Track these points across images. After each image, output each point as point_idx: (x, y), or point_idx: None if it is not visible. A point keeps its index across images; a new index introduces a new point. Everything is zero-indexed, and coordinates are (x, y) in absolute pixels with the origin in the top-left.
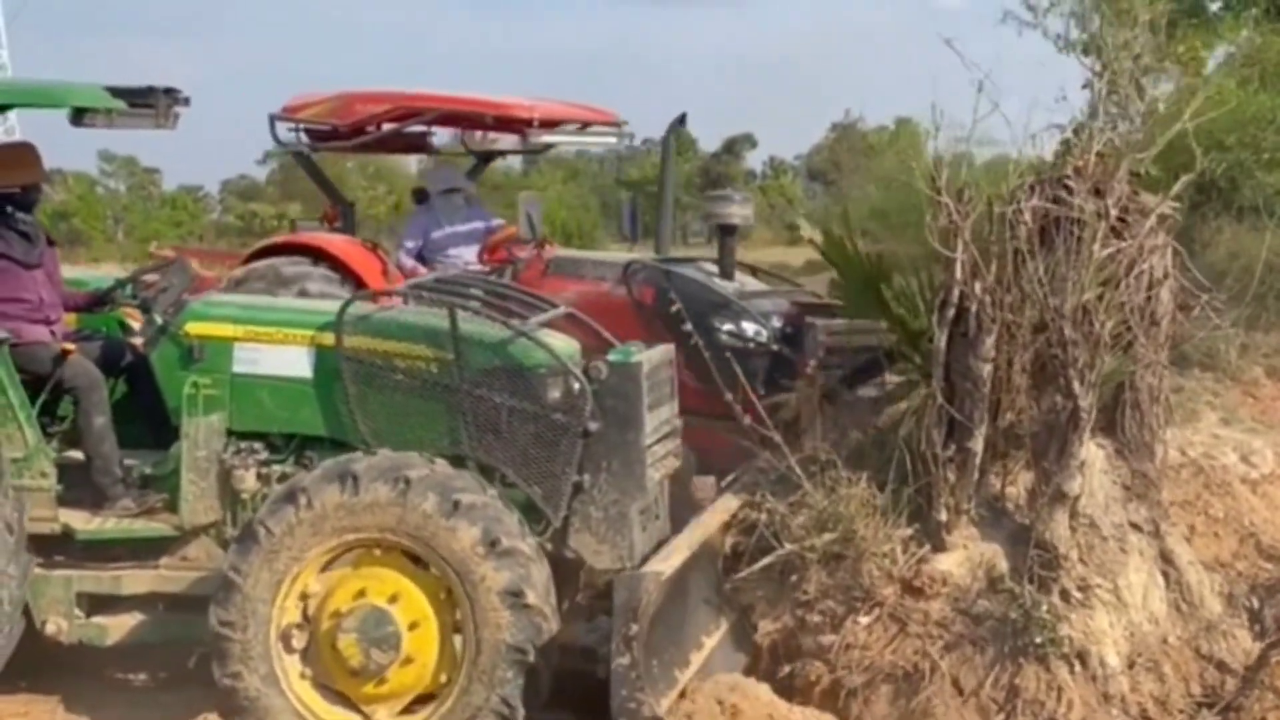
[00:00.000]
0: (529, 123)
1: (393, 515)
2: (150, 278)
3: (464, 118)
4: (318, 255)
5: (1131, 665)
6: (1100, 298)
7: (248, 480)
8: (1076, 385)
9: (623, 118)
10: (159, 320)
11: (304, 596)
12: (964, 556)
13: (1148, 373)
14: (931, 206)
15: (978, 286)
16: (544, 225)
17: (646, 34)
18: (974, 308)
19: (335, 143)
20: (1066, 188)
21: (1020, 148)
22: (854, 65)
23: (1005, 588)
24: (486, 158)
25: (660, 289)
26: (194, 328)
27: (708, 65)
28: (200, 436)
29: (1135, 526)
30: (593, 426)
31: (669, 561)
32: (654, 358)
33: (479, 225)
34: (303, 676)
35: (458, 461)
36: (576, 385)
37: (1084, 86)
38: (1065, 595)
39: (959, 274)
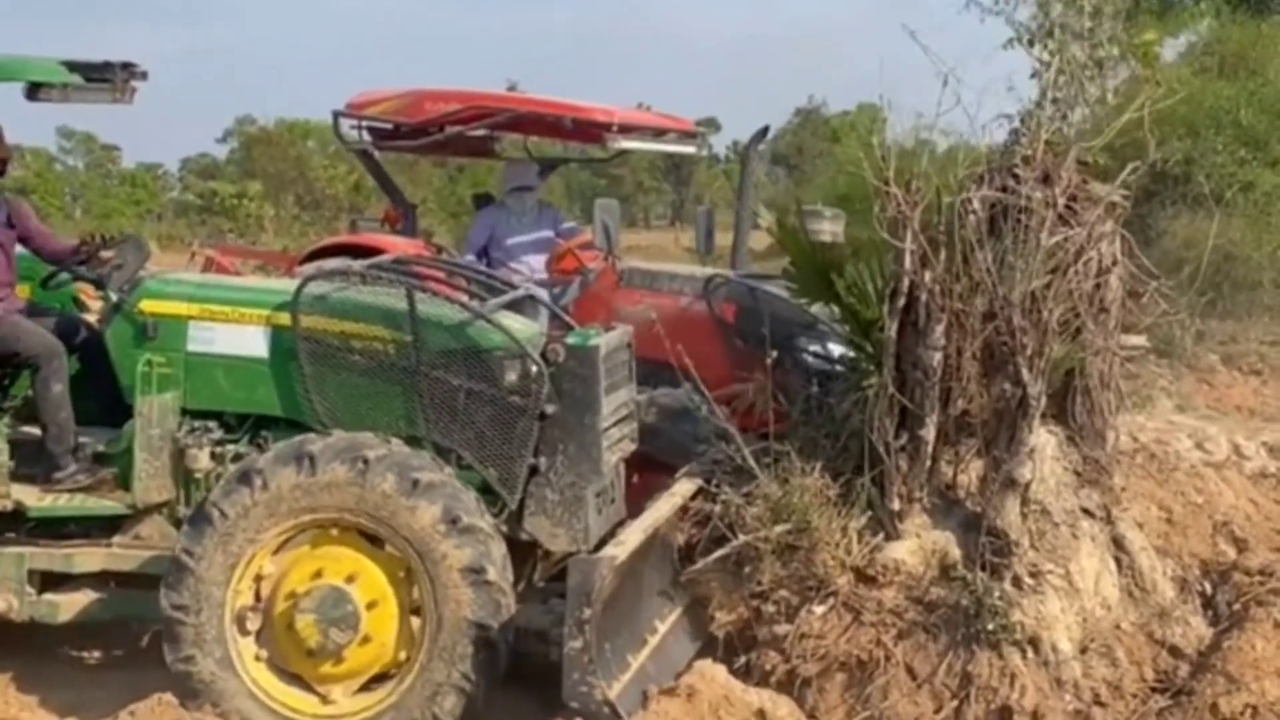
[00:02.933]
0: (608, 128)
1: (351, 495)
2: (106, 254)
3: (540, 120)
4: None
5: (1084, 650)
6: (1049, 285)
7: (201, 459)
8: (1025, 373)
9: (699, 126)
10: (114, 297)
11: (258, 578)
12: (917, 545)
13: (1098, 359)
14: (880, 196)
15: (927, 276)
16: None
17: (611, 18)
18: (924, 297)
19: (400, 142)
20: (1015, 176)
21: (970, 138)
22: (822, 49)
23: (958, 575)
24: (552, 164)
25: (743, 306)
26: (149, 305)
27: (671, 49)
28: (154, 415)
29: (1087, 512)
30: (549, 409)
31: (623, 546)
32: (612, 341)
33: (548, 233)
34: (258, 659)
35: (414, 443)
36: (534, 368)
37: (1032, 75)
38: (1017, 581)
39: (908, 264)
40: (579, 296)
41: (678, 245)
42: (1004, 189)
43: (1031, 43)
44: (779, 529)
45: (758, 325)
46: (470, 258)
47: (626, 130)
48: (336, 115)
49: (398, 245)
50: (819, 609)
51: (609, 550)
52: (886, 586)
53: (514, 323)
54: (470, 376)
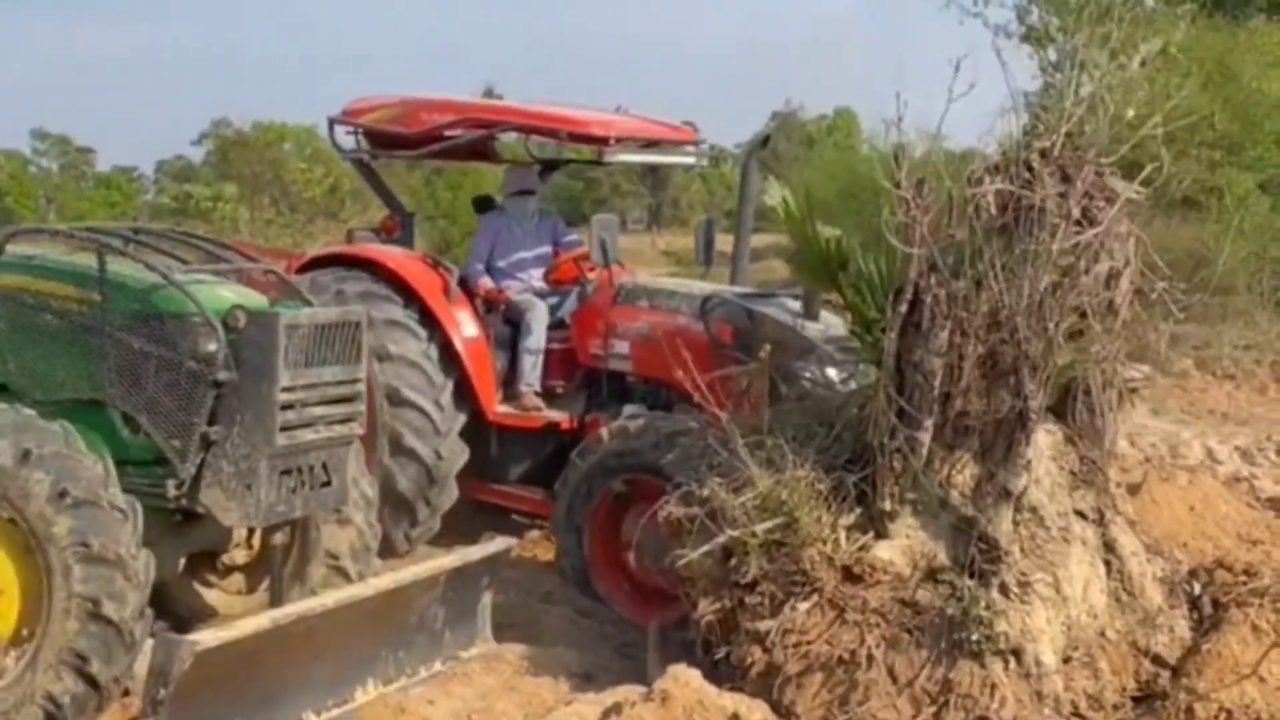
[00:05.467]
0: (605, 141)
1: None
2: None
3: (536, 133)
4: (374, 269)
5: (1067, 660)
6: (1057, 290)
7: None
8: (1028, 384)
9: (701, 135)
10: None
11: None
12: (905, 545)
13: (1101, 358)
14: (889, 200)
15: (934, 280)
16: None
17: (588, 21)
18: (929, 300)
19: (398, 151)
20: (1030, 169)
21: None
22: (801, 53)
23: (945, 579)
24: (552, 166)
25: (739, 328)
26: None
27: (649, 53)
28: None
29: (1080, 514)
30: (223, 376)
31: (225, 633)
32: (319, 317)
33: (546, 248)
34: None
35: (98, 406)
36: (213, 334)
37: (1043, 70)
38: (1004, 590)
39: (915, 270)
40: (577, 308)
41: (654, 249)
42: (1022, 183)
43: (1025, 39)
44: (765, 525)
45: (754, 348)
46: (479, 267)
47: (624, 142)
48: (332, 122)
49: (392, 257)
50: (803, 605)
51: (200, 635)
52: (873, 586)
53: (209, 290)
54: (153, 341)
